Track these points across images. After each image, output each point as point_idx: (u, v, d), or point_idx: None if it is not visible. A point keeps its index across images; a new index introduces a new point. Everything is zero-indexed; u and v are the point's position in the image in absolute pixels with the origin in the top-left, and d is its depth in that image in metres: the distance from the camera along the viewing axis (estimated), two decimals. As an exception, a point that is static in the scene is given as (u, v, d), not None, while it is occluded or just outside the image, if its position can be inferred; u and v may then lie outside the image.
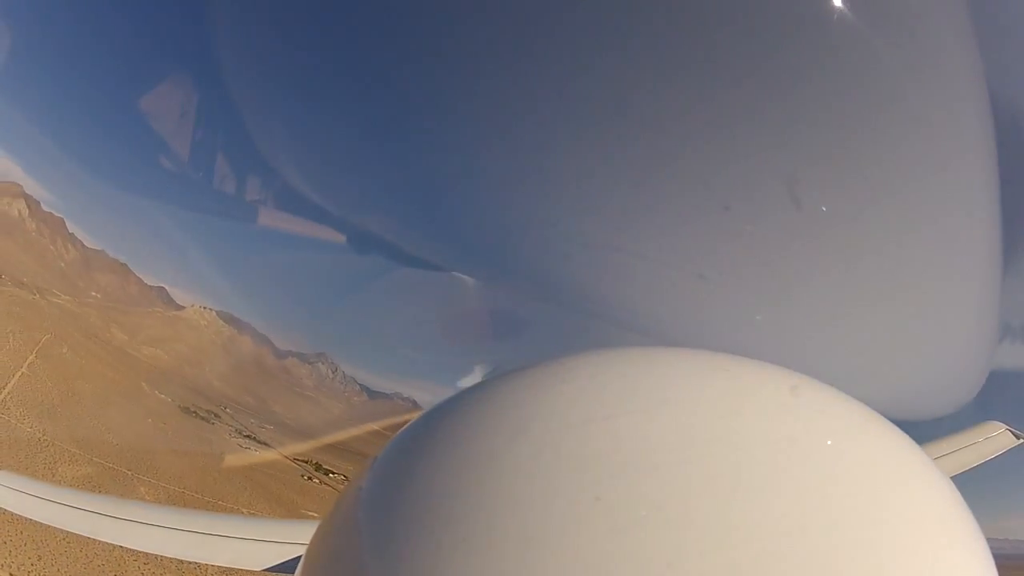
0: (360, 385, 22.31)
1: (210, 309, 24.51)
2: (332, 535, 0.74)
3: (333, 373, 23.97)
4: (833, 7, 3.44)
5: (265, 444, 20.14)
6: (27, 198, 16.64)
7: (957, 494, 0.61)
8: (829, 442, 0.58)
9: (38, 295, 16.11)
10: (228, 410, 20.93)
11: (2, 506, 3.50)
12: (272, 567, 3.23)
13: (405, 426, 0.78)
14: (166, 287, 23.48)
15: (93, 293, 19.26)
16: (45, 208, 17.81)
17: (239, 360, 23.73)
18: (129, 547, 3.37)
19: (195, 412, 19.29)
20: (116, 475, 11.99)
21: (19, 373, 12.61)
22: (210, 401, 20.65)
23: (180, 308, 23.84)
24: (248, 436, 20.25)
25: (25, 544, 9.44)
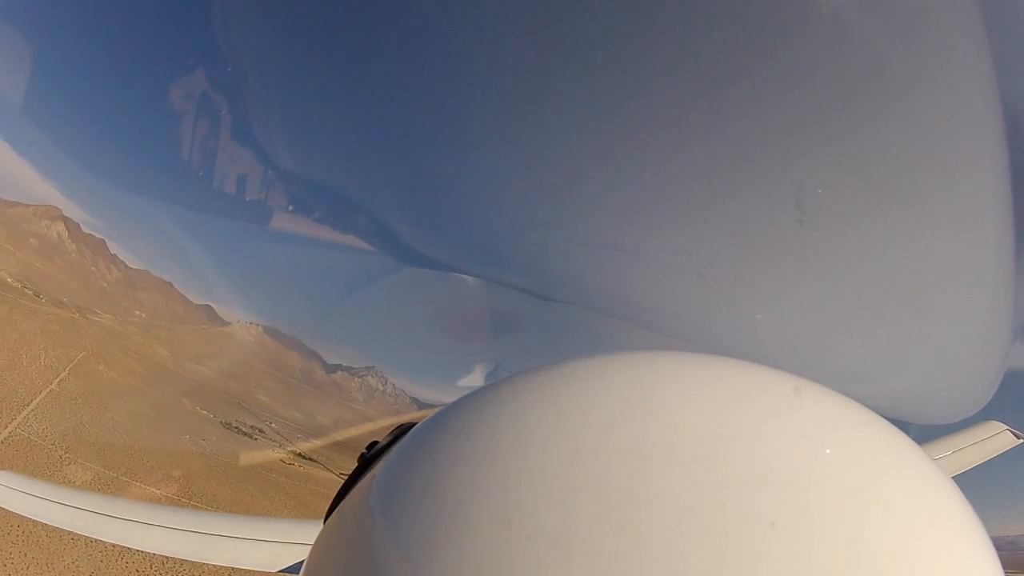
0: (411, 397, 21.31)
1: (256, 325, 24.30)
2: (347, 533, 0.71)
3: (383, 386, 23.08)
4: (840, 8, 3.36)
5: (310, 459, 19.24)
6: (66, 220, 16.66)
7: (960, 494, 0.60)
8: (833, 442, 0.58)
9: (78, 314, 15.98)
10: (273, 425, 20.26)
11: (3, 506, 3.38)
12: (285, 568, 3.14)
13: (417, 425, 0.75)
14: (212, 304, 23.42)
15: (137, 312, 19.18)
16: (85, 230, 17.95)
17: (286, 375, 23.29)
18: (129, 547, 3.28)
19: (237, 427, 18.61)
20: (142, 494, 11.18)
21: (47, 390, 12.14)
22: (255, 416, 20.07)
23: (226, 324, 23.61)
24: (293, 451, 19.46)
25: (28, 567, 8.72)
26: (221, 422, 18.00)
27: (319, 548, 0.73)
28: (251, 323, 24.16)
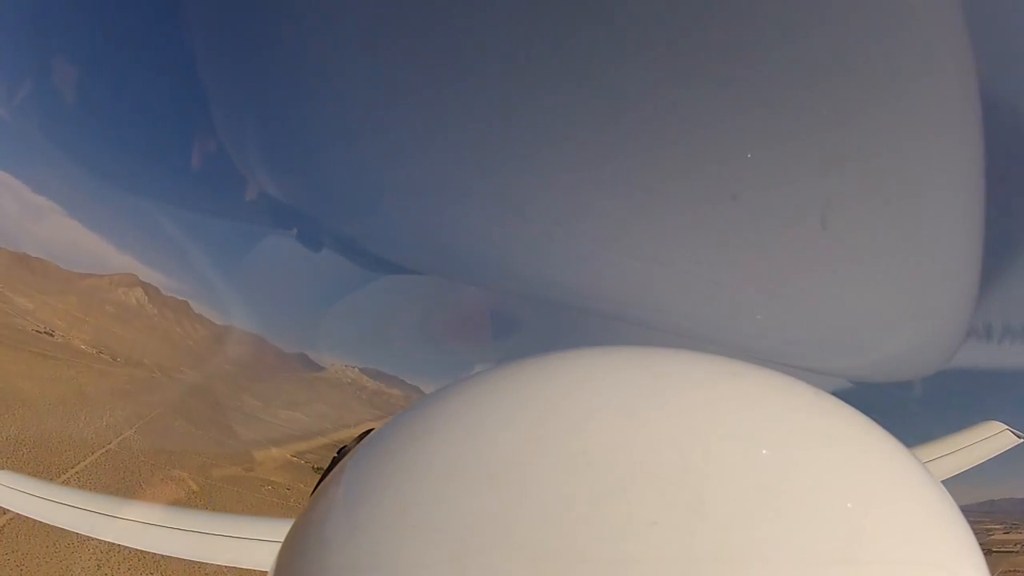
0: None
1: (353, 367, 22.88)
2: (300, 527, 0.70)
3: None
4: (830, 7, 3.51)
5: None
6: (144, 286, 16.20)
7: (952, 502, 0.56)
8: (813, 444, 0.54)
9: (159, 373, 15.15)
10: (371, 464, 17.94)
11: (3, 505, 3.32)
12: None
13: (385, 424, 0.74)
14: (306, 352, 22.45)
15: (227, 367, 18.45)
16: (166, 293, 17.66)
17: (387, 412, 21.33)
18: (129, 547, 3.19)
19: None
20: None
21: (103, 450, 10.67)
22: (352, 457, 17.96)
23: (320, 369, 22.37)
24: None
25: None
26: (313, 467, 16.03)
27: (284, 540, 0.73)
28: (347, 365, 22.71)
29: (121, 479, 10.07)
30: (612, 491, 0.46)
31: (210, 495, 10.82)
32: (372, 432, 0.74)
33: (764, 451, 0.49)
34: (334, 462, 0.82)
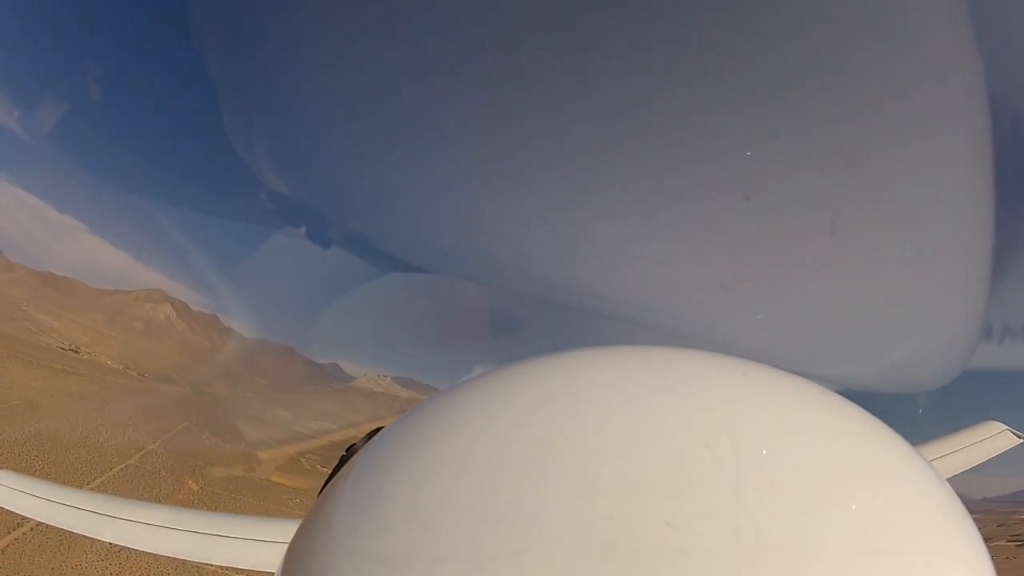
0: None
1: (384, 376, 22.37)
2: (308, 525, 0.68)
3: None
4: (834, 9, 3.42)
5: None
6: (173, 302, 16.06)
7: (956, 499, 0.57)
8: (828, 440, 0.55)
9: (188, 388, 14.85)
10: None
11: (3, 506, 3.17)
12: None
13: (392, 423, 0.73)
14: (339, 362, 22.09)
15: (258, 379, 18.06)
16: (195, 308, 17.45)
17: (422, 419, 20.61)
18: (129, 547, 3.06)
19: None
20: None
21: (122, 466, 10.23)
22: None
23: (351, 379, 21.97)
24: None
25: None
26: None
27: (293, 539, 0.72)
28: (379, 375, 22.19)
29: (139, 494, 9.51)
30: (640, 486, 0.46)
31: (231, 507, 10.15)
32: (380, 431, 0.72)
33: (785, 447, 0.50)
34: (342, 461, 0.81)
